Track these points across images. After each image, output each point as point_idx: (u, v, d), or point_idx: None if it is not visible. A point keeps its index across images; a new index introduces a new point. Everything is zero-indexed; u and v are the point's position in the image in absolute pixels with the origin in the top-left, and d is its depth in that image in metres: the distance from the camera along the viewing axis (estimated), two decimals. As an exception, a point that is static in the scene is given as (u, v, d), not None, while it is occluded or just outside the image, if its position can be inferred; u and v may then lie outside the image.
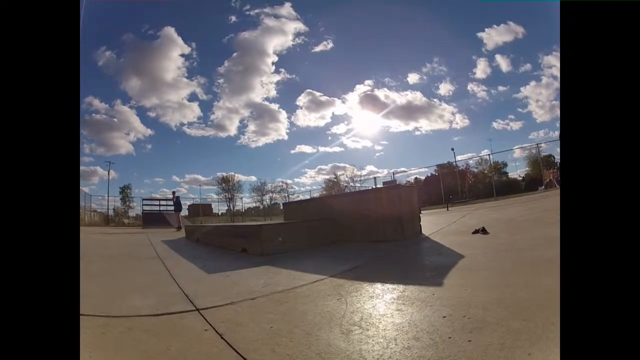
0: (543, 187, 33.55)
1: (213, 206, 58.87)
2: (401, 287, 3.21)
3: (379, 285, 3.35)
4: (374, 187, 33.76)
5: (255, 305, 3.09)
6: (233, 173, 59.54)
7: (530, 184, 40.52)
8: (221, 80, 67.02)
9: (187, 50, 59.59)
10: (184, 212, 49.90)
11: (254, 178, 79.84)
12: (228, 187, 58.57)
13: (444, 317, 2.33)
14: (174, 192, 24.57)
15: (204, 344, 2.28)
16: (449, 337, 2.05)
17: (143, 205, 37.93)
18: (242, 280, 4.22)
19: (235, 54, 65.28)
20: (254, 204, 58.80)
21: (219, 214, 57.68)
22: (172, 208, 40.63)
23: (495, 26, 58.25)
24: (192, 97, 70.33)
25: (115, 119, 57.29)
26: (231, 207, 58.04)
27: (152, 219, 32.03)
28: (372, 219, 6.74)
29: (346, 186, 46.40)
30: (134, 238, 13.66)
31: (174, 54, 59.57)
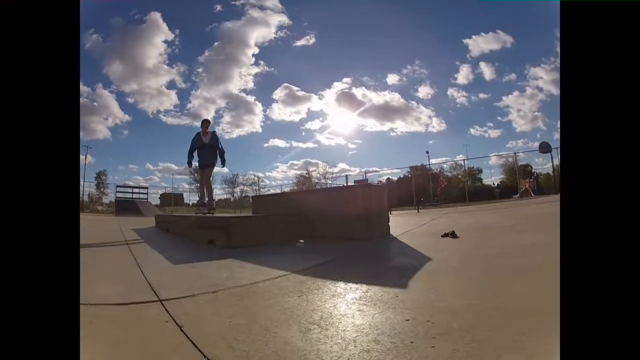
0: (518, 195, 34.25)
1: (185, 196, 58.70)
2: (364, 287, 3.18)
3: (341, 284, 3.32)
4: (344, 184, 33.95)
5: (216, 298, 3.07)
6: None
7: (505, 192, 41.50)
8: (200, 69, 66.75)
9: (170, 36, 59.07)
10: (155, 200, 49.57)
11: (225, 170, 79.79)
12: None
13: (407, 320, 2.28)
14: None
15: (164, 335, 2.28)
16: (411, 342, 1.99)
17: (117, 192, 37.60)
18: (207, 272, 4.21)
19: (216, 44, 65.06)
20: (225, 196, 58.57)
21: (190, 204, 56.81)
22: (145, 197, 40.47)
23: (483, 34, 59.65)
24: (171, 85, 69.93)
25: (95, 103, 56.63)
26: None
27: (125, 207, 31.82)
28: (340, 217, 6.77)
29: (317, 183, 46.52)
30: (106, 226, 13.64)
31: (157, 40, 59.11)
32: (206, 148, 10.85)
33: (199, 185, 12.29)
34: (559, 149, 32.96)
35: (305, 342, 2.06)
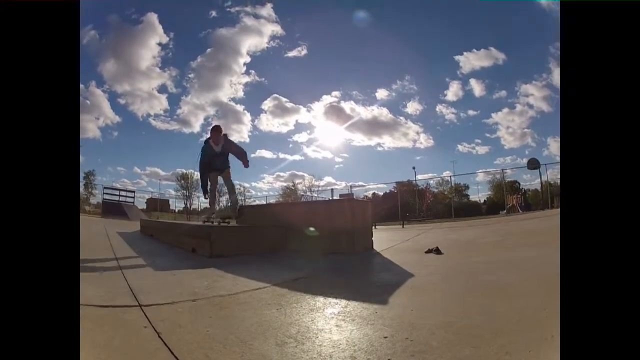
0: (505, 211, 34.28)
1: (171, 202, 58.46)
2: (344, 302, 3.13)
3: (321, 299, 3.26)
4: (330, 198, 33.94)
5: (195, 307, 3.03)
6: (192, 170, 58.05)
7: (492, 208, 41.58)
8: (192, 75, 66.20)
9: (165, 39, 58.47)
10: (142, 205, 49.27)
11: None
12: (186, 185, 57.80)
13: (385, 337, 2.23)
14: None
15: (142, 340, 2.29)
16: (388, 359, 1.98)
17: (104, 194, 37.19)
18: (187, 280, 4.16)
19: (209, 50, 64.64)
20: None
21: (176, 210, 56.82)
22: (131, 200, 40.34)
23: (475, 50, 59.61)
24: (162, 89, 69.57)
25: (88, 101, 56.08)
26: (188, 205, 57.21)
27: (112, 209, 31.72)
28: (324, 230, 6.64)
29: (303, 195, 46.51)
30: (93, 227, 13.56)
31: (152, 42, 58.59)
32: (219, 156, 8.98)
33: (208, 189, 9.35)
34: (547, 166, 33.07)
35: (280, 356, 2.03)
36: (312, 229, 5.55)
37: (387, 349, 2.09)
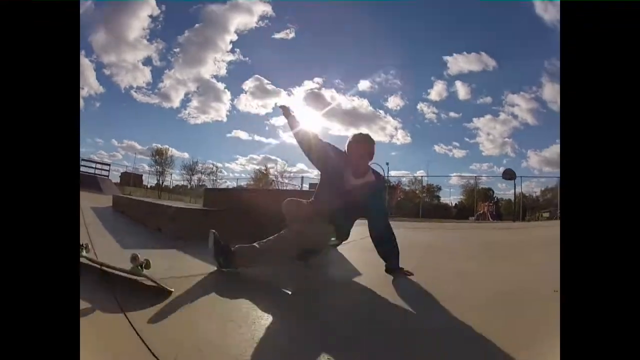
0: (475, 217, 34.63)
1: (144, 177, 57.93)
2: (285, 293, 3.31)
3: (261, 288, 3.34)
4: (299, 186, 33.94)
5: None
6: (167, 146, 58.35)
7: (462, 212, 41.93)
8: (177, 49, 65.28)
9: (156, 11, 57.76)
10: (116, 179, 48.58)
11: (187, 155, 77.97)
12: (161, 161, 57.37)
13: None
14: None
15: None
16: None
17: (80, 166, 36.61)
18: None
19: (198, 25, 63.58)
20: (183, 182, 57.75)
21: (148, 186, 56.57)
22: (106, 174, 39.76)
23: (465, 53, 59.63)
24: (147, 62, 68.31)
25: (76, 71, 55.00)
26: (160, 181, 56.69)
27: (87, 182, 31.42)
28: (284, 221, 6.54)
29: (273, 181, 46.04)
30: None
31: (144, 13, 57.69)
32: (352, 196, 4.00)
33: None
34: (523, 178, 33.11)
35: (223, 335, 2.19)
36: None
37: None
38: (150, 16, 56.93)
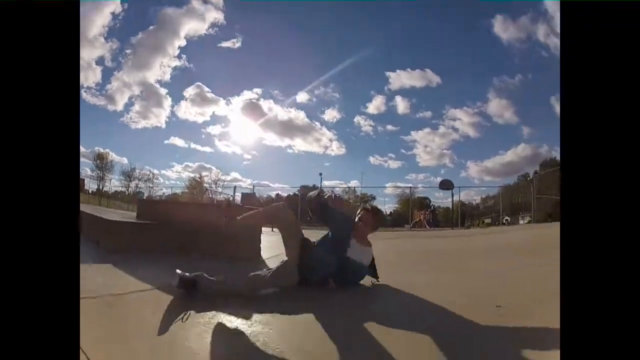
0: (410, 225, 35.10)
1: (86, 182, 56.27)
2: (211, 313, 3.05)
3: (191, 307, 3.09)
4: (231, 195, 33.88)
5: (86, 304, 2.83)
6: (108, 151, 55.66)
7: (398, 221, 42.17)
8: (129, 51, 63.69)
9: (119, 9, 55.98)
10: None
11: (125, 160, 76.05)
12: (101, 165, 54.74)
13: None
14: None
15: None
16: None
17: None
18: (85, 275, 3.77)
19: (152, 27, 62.20)
20: (122, 188, 56.33)
21: (90, 191, 54.42)
22: None
23: (409, 69, 60.08)
24: (100, 61, 66.46)
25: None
26: (101, 187, 54.64)
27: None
28: (215, 233, 6.41)
29: (207, 189, 45.39)
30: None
31: (107, 10, 56.05)
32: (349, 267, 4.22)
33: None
34: (461, 188, 33.72)
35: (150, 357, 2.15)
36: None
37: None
38: (112, 13, 55.20)
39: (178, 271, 3.49)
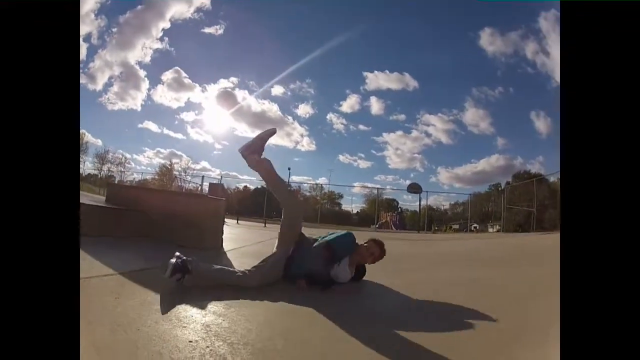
0: (376, 225, 35.28)
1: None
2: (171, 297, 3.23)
3: (151, 293, 3.25)
4: (199, 184, 33.73)
5: None
6: (84, 131, 54.35)
7: (364, 220, 42.47)
8: (115, 29, 61.95)
9: None
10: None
11: (100, 142, 74.51)
12: None
13: (190, 341, 2.31)
14: None
15: None
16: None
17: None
18: None
19: (139, 7, 60.61)
20: (94, 171, 55.20)
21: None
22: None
23: (387, 71, 60.38)
24: (87, 38, 64.79)
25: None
26: (76, 169, 53.14)
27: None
28: (180, 222, 6.82)
29: (176, 177, 44.72)
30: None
31: None
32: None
33: None
34: (429, 193, 33.86)
35: (112, 341, 2.19)
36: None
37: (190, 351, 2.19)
38: None
39: (172, 260, 3.48)
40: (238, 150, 4.56)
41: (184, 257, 3.49)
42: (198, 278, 3.56)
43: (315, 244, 4.32)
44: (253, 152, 4.47)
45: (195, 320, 2.69)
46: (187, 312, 2.88)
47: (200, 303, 3.08)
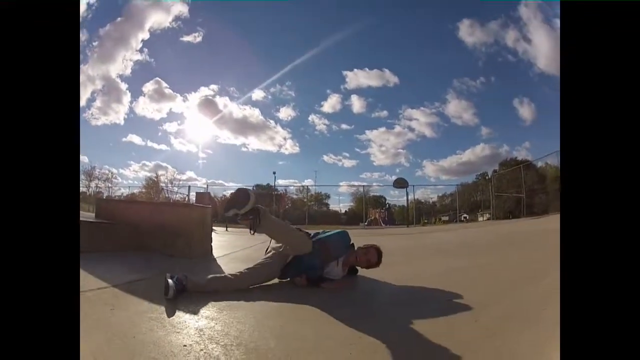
0: (366, 223, 35.22)
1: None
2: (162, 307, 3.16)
3: (145, 303, 3.25)
4: (186, 194, 33.63)
5: None
6: None
7: (353, 219, 42.12)
8: (96, 43, 61.13)
9: None
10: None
11: (86, 159, 73.80)
12: None
13: (185, 345, 2.34)
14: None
15: None
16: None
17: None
18: None
19: (119, 19, 60.07)
20: (83, 188, 54.67)
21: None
22: None
23: (367, 69, 58.85)
24: None
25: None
26: (63, 187, 52.58)
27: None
28: (167, 232, 6.74)
29: (163, 188, 44.44)
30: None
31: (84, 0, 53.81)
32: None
33: None
34: (415, 187, 33.78)
35: (109, 350, 2.21)
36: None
37: (184, 355, 2.21)
38: (88, 3, 52.94)
39: (169, 281, 3.44)
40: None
41: (177, 276, 3.50)
42: (194, 292, 3.57)
43: (313, 239, 4.34)
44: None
45: (188, 326, 2.72)
46: (180, 318, 2.91)
47: (194, 308, 3.11)
